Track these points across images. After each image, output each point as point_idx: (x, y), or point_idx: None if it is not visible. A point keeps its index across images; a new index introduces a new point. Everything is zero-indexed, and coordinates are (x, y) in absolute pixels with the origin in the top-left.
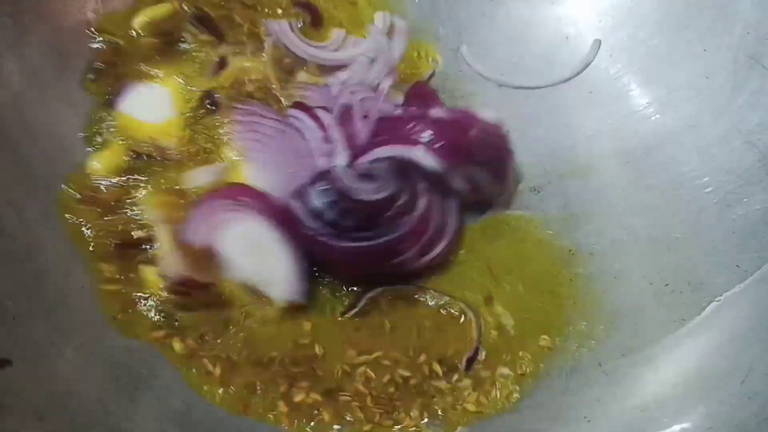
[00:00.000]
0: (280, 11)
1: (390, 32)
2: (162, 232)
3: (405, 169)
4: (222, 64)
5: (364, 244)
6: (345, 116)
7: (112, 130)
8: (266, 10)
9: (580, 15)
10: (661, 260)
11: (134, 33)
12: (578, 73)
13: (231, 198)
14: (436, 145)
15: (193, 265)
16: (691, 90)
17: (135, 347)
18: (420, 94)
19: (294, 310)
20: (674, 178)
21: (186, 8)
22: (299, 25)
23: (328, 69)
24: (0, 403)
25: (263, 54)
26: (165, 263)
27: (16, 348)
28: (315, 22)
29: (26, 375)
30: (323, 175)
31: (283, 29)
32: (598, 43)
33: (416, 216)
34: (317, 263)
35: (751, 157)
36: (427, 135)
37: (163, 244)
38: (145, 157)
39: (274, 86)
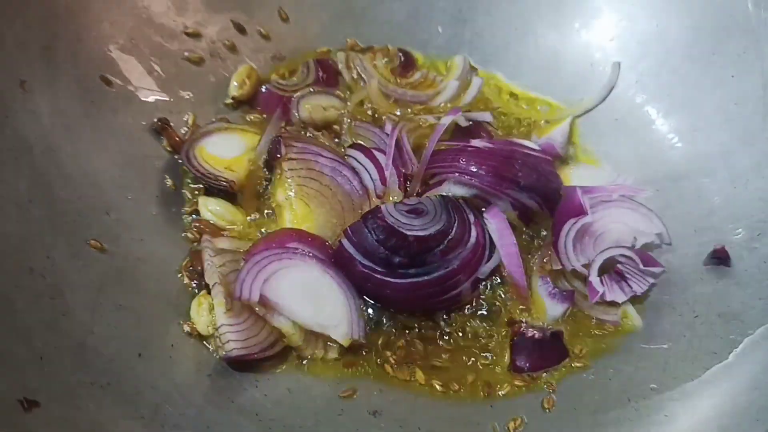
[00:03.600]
0: (385, 59)
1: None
2: (218, 296)
3: (454, 203)
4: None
5: (418, 279)
6: (399, 153)
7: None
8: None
9: (606, 42)
10: (692, 291)
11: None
12: (604, 99)
13: (280, 246)
14: (480, 175)
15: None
16: (721, 117)
17: (162, 385)
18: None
19: (356, 348)
20: (704, 206)
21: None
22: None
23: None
24: None
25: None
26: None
27: (44, 388)
28: (407, 65)
29: (55, 415)
30: (374, 213)
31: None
32: (617, 66)
33: (470, 248)
34: (373, 300)
35: None
36: (471, 166)
37: (219, 316)
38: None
39: (351, 123)
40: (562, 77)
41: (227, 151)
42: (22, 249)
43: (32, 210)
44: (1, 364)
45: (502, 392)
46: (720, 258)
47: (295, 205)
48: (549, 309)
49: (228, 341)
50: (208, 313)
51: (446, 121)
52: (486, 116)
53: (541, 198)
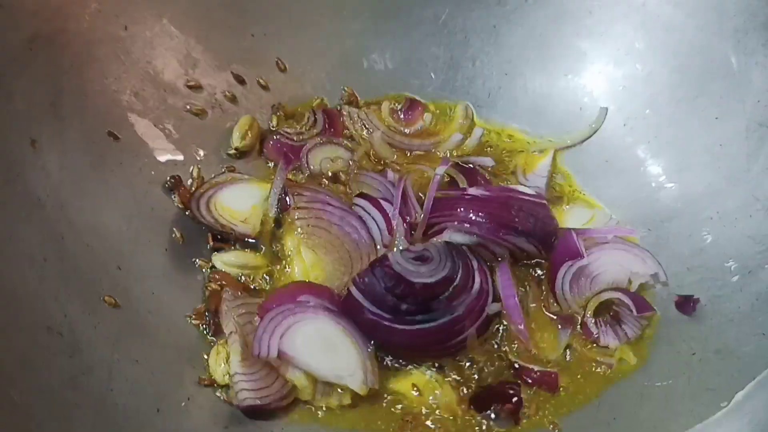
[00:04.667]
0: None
1: (467, 129)
2: (235, 344)
3: (458, 249)
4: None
5: (425, 326)
6: (404, 202)
7: None
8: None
9: (594, 85)
10: (686, 329)
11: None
12: (584, 140)
13: (291, 300)
14: (479, 223)
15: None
16: (708, 157)
17: None
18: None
19: (369, 395)
20: (695, 245)
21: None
22: (399, 108)
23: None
24: None
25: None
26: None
27: None
28: (412, 107)
29: None
30: (381, 261)
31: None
32: (604, 111)
33: (474, 294)
34: (381, 346)
35: None
36: (470, 214)
37: (234, 365)
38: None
39: (356, 173)
40: (551, 121)
41: (240, 203)
42: (39, 307)
43: (46, 267)
44: (25, 424)
45: None
46: (681, 310)
47: (304, 254)
48: (560, 335)
49: (241, 390)
50: (225, 363)
51: (440, 171)
52: (487, 161)
53: (538, 241)
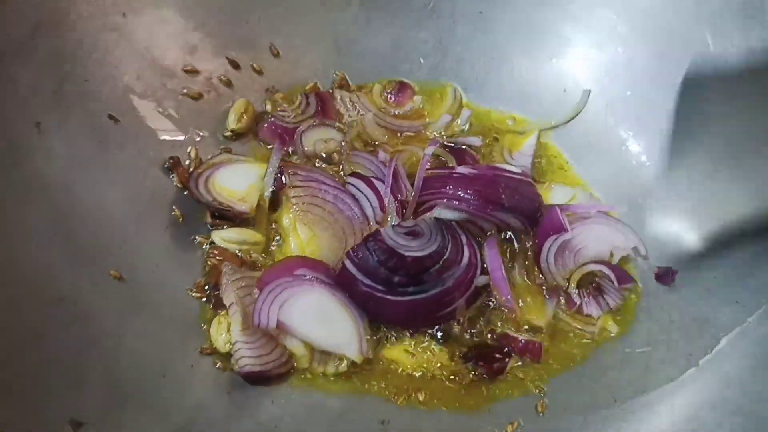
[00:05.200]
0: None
1: (456, 111)
2: (235, 315)
3: (447, 224)
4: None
5: (416, 297)
6: (395, 181)
7: None
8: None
9: (578, 69)
10: (665, 298)
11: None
12: (568, 121)
13: (288, 274)
14: (467, 200)
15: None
16: (686, 136)
17: (186, 404)
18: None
19: (364, 362)
20: (674, 219)
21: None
22: (389, 92)
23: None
24: None
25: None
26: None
27: (86, 410)
28: (402, 90)
29: None
30: (374, 236)
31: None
32: (587, 93)
33: (463, 267)
34: (374, 317)
35: (744, 199)
36: (458, 191)
37: (235, 333)
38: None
39: (348, 153)
40: (537, 103)
41: (237, 182)
42: (49, 281)
43: (55, 244)
44: (47, 390)
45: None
46: (660, 281)
47: (300, 230)
48: (548, 305)
49: (241, 357)
50: (226, 332)
51: (429, 151)
52: (475, 141)
53: (524, 217)
